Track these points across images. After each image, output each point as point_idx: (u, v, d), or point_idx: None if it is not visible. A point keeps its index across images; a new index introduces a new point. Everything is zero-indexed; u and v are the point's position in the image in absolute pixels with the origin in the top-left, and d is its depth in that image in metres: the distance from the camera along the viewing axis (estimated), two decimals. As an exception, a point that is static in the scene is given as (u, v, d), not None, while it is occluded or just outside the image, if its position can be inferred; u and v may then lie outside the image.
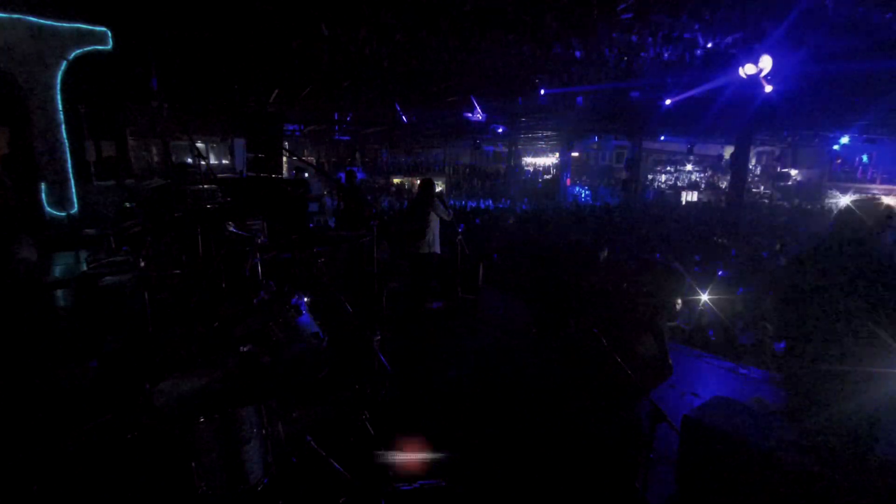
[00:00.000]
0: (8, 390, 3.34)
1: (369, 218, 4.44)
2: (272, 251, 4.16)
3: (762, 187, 28.53)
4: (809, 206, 21.56)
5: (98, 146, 10.05)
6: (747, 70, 8.09)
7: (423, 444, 3.19)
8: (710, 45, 7.91)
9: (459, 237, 6.57)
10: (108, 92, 9.29)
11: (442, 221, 6.16)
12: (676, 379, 4.39)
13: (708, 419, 2.61)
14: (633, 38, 7.80)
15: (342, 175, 19.45)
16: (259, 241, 3.80)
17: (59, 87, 6.77)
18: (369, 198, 14.60)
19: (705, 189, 28.66)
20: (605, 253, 5.45)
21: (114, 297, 4.04)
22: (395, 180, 28.96)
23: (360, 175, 25.28)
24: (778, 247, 11.59)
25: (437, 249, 6.13)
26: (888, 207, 2.51)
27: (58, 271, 5.80)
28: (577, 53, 8.67)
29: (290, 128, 19.72)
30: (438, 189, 6.86)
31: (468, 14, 6.83)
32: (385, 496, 2.61)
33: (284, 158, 15.51)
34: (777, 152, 29.46)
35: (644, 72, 9.51)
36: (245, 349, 2.42)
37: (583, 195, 27.24)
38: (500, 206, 20.51)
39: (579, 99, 11.40)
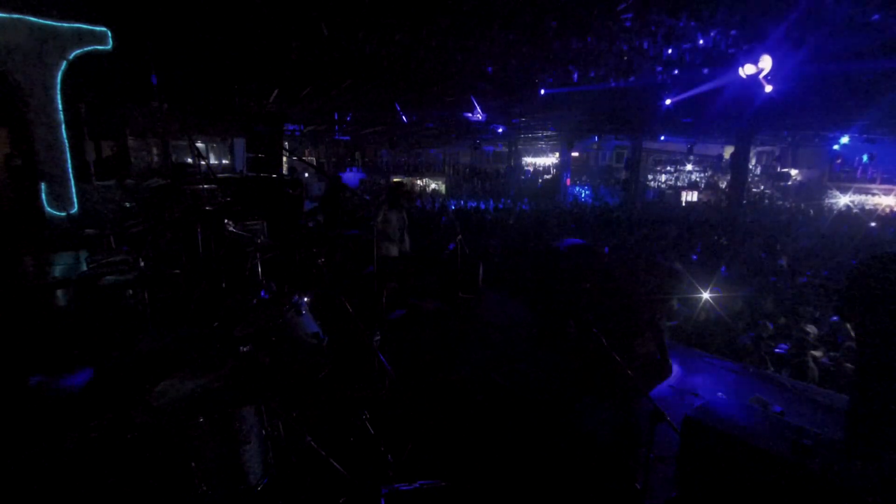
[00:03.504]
0: (8, 390, 3.34)
1: (352, 219, 4.44)
2: (273, 251, 4.17)
3: (762, 187, 28.52)
4: (811, 208, 21.55)
5: (98, 146, 10.04)
6: (747, 70, 8.08)
7: (423, 443, 3.19)
8: (710, 45, 7.91)
9: (459, 237, 6.57)
10: (108, 92, 9.29)
11: (439, 220, 6.10)
12: (676, 379, 4.40)
13: (708, 419, 2.60)
14: (634, 37, 7.81)
15: (341, 175, 19.34)
16: (259, 241, 3.81)
17: (59, 87, 6.77)
18: (367, 198, 14.55)
19: (705, 189, 28.65)
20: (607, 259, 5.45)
21: (114, 297, 4.03)
22: (395, 180, 28.95)
23: (359, 175, 25.27)
24: (777, 247, 11.60)
25: (392, 252, 5.93)
26: None
27: (58, 271, 5.80)
28: (577, 53, 8.67)
29: (290, 128, 19.72)
30: (433, 188, 6.81)
31: (468, 14, 6.83)
32: (385, 496, 2.61)
33: (284, 158, 15.52)
34: (777, 152, 29.46)
35: (644, 72, 9.51)
36: (245, 349, 2.43)
37: (583, 195, 27.23)
38: (500, 206, 20.50)
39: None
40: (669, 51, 8.26)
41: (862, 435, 2.57)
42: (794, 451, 2.27)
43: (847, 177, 26.03)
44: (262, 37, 7.64)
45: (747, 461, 2.37)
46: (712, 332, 6.48)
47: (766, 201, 24.63)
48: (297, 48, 8.12)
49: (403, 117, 14.86)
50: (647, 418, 2.44)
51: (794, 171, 27.99)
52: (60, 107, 6.81)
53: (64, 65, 6.74)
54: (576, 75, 10.18)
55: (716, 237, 12.82)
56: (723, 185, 26.99)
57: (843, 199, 23.04)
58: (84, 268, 4.73)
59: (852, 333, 5.19)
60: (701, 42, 7.69)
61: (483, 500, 2.87)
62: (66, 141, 6.90)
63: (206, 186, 5.59)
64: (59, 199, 6.85)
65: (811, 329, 6.38)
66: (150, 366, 3.05)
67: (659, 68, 9.11)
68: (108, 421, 2.76)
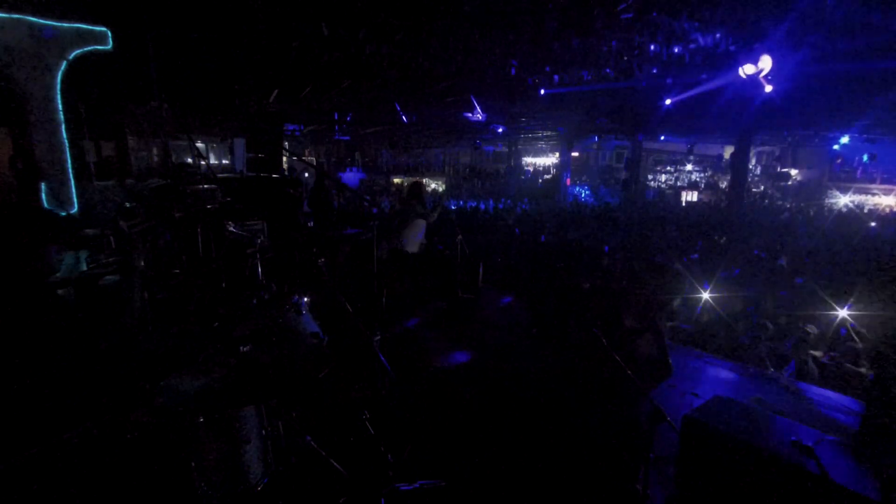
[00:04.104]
0: (9, 390, 3.34)
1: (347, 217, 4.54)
2: (272, 251, 4.17)
3: (762, 187, 28.52)
4: (811, 208, 21.53)
5: (98, 146, 10.03)
6: (747, 70, 8.08)
7: (423, 443, 3.19)
8: (710, 45, 7.90)
9: (459, 237, 6.58)
10: (108, 92, 9.28)
11: (436, 222, 6.31)
12: (676, 379, 4.39)
13: (708, 419, 2.60)
14: (634, 37, 7.81)
15: (341, 175, 19.25)
16: (259, 241, 3.81)
17: (59, 87, 6.77)
18: (367, 198, 14.59)
19: (705, 189, 28.64)
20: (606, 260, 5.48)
21: (114, 297, 4.04)
22: (396, 180, 28.96)
23: (359, 175, 25.25)
24: (777, 247, 11.60)
25: (412, 249, 6.28)
26: None
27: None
28: (577, 53, 8.67)
29: (290, 128, 19.71)
30: (433, 188, 7.24)
31: (468, 14, 6.83)
32: (385, 496, 2.61)
33: (284, 158, 15.53)
34: (777, 152, 29.45)
35: (644, 71, 9.51)
36: (245, 349, 2.42)
37: (583, 195, 27.23)
38: (500, 206, 20.49)
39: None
40: (669, 51, 8.26)
41: (872, 440, 2.56)
42: (794, 451, 2.27)
43: (847, 177, 26.02)
44: (262, 37, 7.64)
45: (747, 461, 2.37)
46: (712, 332, 6.48)
47: (766, 201, 24.61)
48: (297, 48, 8.12)
49: (403, 117, 14.86)
50: (647, 418, 2.44)
51: (794, 171, 27.97)
52: (60, 107, 6.80)
53: (64, 65, 6.73)
54: (576, 75, 10.18)
55: (716, 237, 12.81)
56: (723, 185, 26.97)
57: (843, 199, 23.02)
58: (84, 268, 4.73)
59: (854, 335, 5.15)
60: (701, 42, 7.69)
61: (483, 500, 2.87)
62: (66, 141, 6.89)
63: (206, 186, 5.59)
64: (59, 199, 6.85)
65: (811, 329, 6.37)
66: (150, 366, 3.05)
67: (655, 69, 9.11)
68: (108, 421, 2.76)
